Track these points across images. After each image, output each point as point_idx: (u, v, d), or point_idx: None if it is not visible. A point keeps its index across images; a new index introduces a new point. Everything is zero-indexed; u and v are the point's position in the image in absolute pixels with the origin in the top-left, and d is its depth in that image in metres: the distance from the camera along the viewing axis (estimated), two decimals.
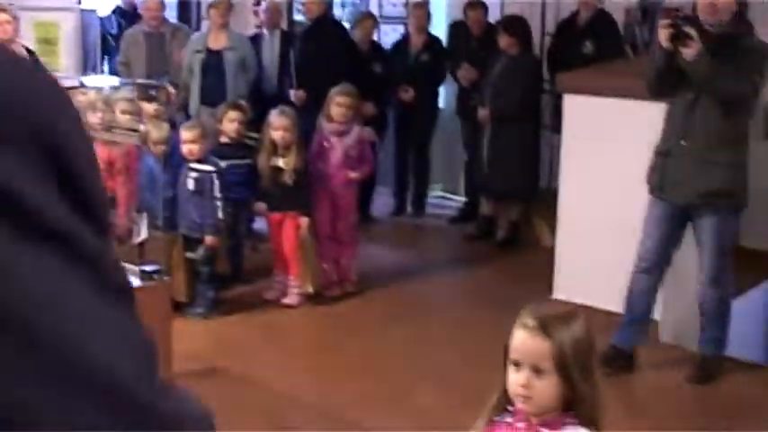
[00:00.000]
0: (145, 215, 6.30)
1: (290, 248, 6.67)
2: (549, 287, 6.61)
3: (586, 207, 6.28)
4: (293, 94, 8.25)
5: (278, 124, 6.49)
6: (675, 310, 5.68)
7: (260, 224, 7.51)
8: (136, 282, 4.05)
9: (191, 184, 6.31)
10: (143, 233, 6.41)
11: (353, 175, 6.85)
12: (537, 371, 2.26)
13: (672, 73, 5.03)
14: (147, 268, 3.80)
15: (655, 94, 5.30)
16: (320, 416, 4.95)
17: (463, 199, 9.17)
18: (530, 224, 8.09)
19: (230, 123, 6.81)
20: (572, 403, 2.28)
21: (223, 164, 6.54)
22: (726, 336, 5.45)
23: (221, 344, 6.07)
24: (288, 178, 6.51)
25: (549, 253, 6.82)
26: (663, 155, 5.23)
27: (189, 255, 6.48)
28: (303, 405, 5.08)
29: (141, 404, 0.64)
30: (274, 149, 6.55)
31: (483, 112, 7.88)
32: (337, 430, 4.77)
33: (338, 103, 6.71)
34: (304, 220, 6.61)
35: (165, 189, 6.46)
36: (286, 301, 6.71)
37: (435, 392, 5.14)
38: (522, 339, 2.30)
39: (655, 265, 5.36)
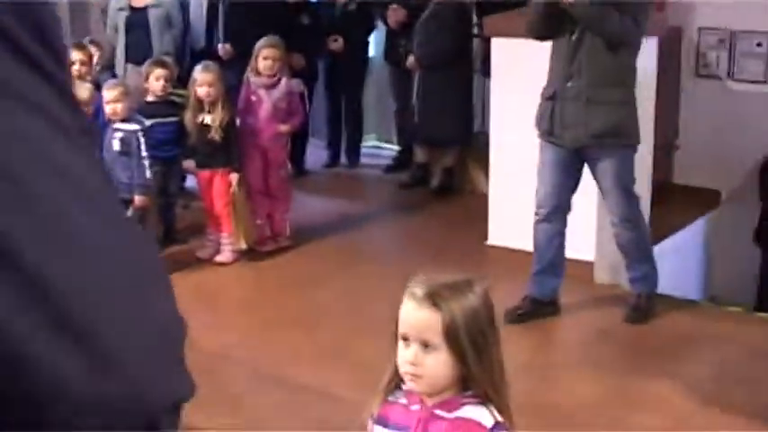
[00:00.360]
0: None
1: (222, 205, 6.58)
2: (484, 234, 6.60)
3: (518, 150, 6.26)
4: (221, 48, 8.12)
5: (202, 80, 6.38)
6: (609, 251, 5.69)
7: (192, 182, 7.41)
8: None
9: (116, 145, 6.19)
10: None
11: (283, 128, 6.76)
12: (426, 345, 2.01)
13: (554, 16, 4.98)
14: None
15: (537, 36, 5.22)
16: (254, 372, 4.91)
17: (397, 147, 9.11)
18: (465, 170, 8.07)
19: (156, 81, 6.67)
20: (468, 381, 2.05)
21: (150, 122, 6.42)
22: (654, 273, 5.46)
23: None
24: (215, 134, 6.41)
25: (485, 199, 6.80)
26: (550, 98, 5.18)
27: None
28: (237, 362, 5.04)
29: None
30: (201, 106, 6.44)
31: (412, 59, 7.82)
32: (273, 386, 4.73)
33: (265, 56, 6.60)
34: (234, 177, 6.53)
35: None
36: (219, 258, 6.64)
37: (373, 346, 5.10)
38: (410, 311, 2.03)
39: (554, 212, 5.30)
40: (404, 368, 2.05)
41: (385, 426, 2.03)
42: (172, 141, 6.70)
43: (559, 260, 5.42)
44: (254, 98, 6.69)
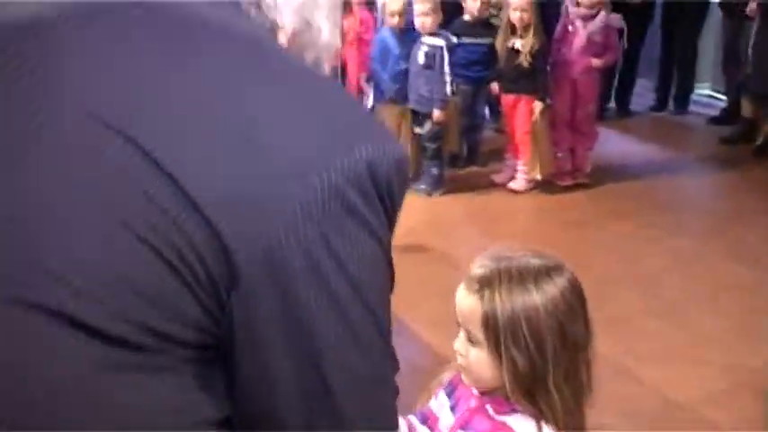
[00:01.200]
0: (372, 86, 6.36)
1: (522, 132, 6.52)
2: None
3: None
4: None
5: (517, 4, 6.27)
6: None
7: None
8: None
9: (421, 58, 6.25)
10: (369, 103, 6.47)
11: (596, 62, 6.55)
12: (470, 337, 1.68)
13: None
14: None
15: None
16: None
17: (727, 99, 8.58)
18: None
19: (473, 2, 6.65)
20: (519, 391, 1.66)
21: (461, 40, 6.44)
22: None
23: (437, 222, 6.06)
24: (524, 60, 6.32)
25: None
26: None
27: (416, 129, 6.47)
28: None
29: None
30: (513, 30, 6.37)
31: (753, 5, 7.29)
32: None
33: None
34: (537, 105, 6.43)
35: (398, 61, 6.44)
36: (512, 185, 6.60)
37: (636, 295, 4.93)
38: (459, 293, 1.70)
39: None
40: (456, 355, 1.75)
41: (449, 394, 1.79)
42: (482, 62, 6.68)
43: None
44: (570, 28, 6.53)
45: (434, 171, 6.53)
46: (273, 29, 1.20)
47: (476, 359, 1.65)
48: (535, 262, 1.69)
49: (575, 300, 1.67)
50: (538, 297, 1.63)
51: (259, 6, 1.18)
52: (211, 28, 1.04)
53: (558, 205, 6.38)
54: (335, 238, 0.95)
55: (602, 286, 4.94)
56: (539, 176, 6.56)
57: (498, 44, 6.47)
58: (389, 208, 1.01)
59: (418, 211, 6.20)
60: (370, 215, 0.98)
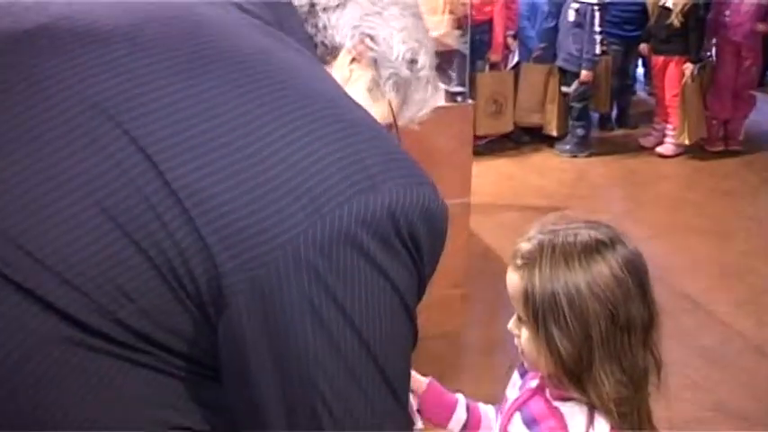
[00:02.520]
0: (517, 43, 6.24)
1: (671, 96, 6.30)
2: None
3: None
4: None
5: None
6: None
7: None
8: (440, 102, 3.99)
9: (571, 15, 6.09)
10: (514, 61, 6.36)
11: (761, 26, 6.27)
12: (519, 316, 1.51)
13: None
14: (453, 89, 3.72)
15: None
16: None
17: None
18: None
19: None
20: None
21: None
22: None
23: (579, 185, 5.92)
24: (675, 19, 6.08)
25: None
26: None
27: (563, 89, 6.33)
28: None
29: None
30: None
31: None
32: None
33: None
34: (688, 67, 6.19)
35: (546, 18, 6.30)
36: (660, 149, 6.41)
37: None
38: (509, 269, 1.53)
39: None
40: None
41: (522, 374, 1.66)
42: (634, 21, 6.48)
43: None
44: None
45: (580, 132, 6.37)
46: (333, 49, 1.17)
47: (525, 340, 1.49)
48: (586, 236, 1.49)
49: (630, 278, 1.47)
50: (581, 275, 1.45)
51: (317, 26, 1.16)
52: (250, 61, 0.99)
53: (707, 172, 6.16)
54: (336, 277, 0.90)
55: (744, 259, 4.77)
56: (687, 141, 6.32)
57: (650, 2, 6.25)
58: (416, 258, 0.95)
59: (561, 172, 6.09)
60: (386, 261, 0.92)
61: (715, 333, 3.99)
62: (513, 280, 1.49)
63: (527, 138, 6.55)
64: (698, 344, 3.85)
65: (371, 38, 1.19)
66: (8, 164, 0.90)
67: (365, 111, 1.05)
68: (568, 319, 1.45)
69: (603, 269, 1.46)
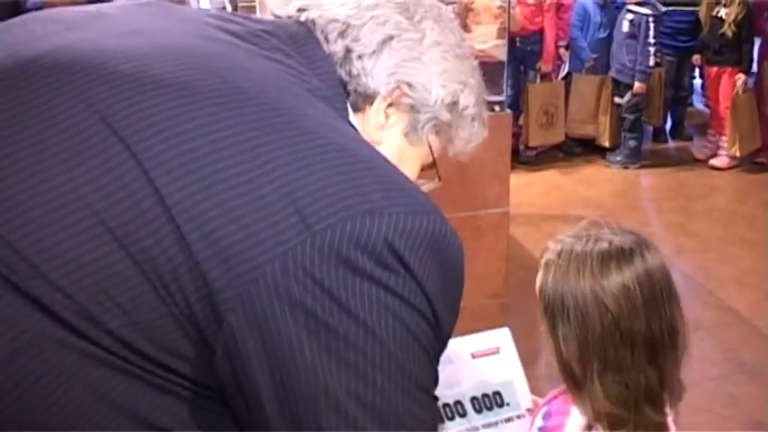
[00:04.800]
0: (569, 53, 6.22)
1: (724, 107, 6.24)
2: None
3: None
4: None
5: None
6: None
7: None
8: None
9: (626, 26, 6.07)
10: (565, 70, 6.35)
11: None
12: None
13: None
14: (490, 98, 3.71)
15: None
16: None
17: None
18: None
19: None
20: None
21: (667, 9, 6.21)
22: None
23: (630, 196, 5.89)
24: (728, 29, 6.03)
25: None
26: None
27: (616, 100, 6.30)
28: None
29: None
30: None
31: None
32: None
33: None
34: (740, 77, 6.13)
35: (598, 29, 6.28)
36: (714, 162, 6.34)
37: None
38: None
39: None
40: None
41: None
42: (688, 32, 6.43)
43: None
44: None
45: (632, 143, 6.34)
46: (367, 96, 1.15)
47: (544, 335, 1.53)
48: (606, 244, 1.50)
49: (640, 291, 1.47)
50: (589, 282, 1.47)
51: (350, 73, 1.15)
52: (263, 98, 1.00)
53: (762, 185, 6.08)
54: (329, 292, 0.90)
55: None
56: (738, 153, 6.24)
57: (702, 12, 6.21)
58: (423, 285, 0.95)
59: (610, 183, 6.06)
60: (383, 276, 0.92)
61: (758, 348, 3.96)
62: (537, 279, 1.53)
63: (578, 149, 6.54)
64: (740, 359, 3.82)
65: (409, 84, 1.16)
66: (10, 172, 0.92)
67: (375, 150, 1.05)
68: (572, 322, 1.47)
69: (615, 279, 1.46)
